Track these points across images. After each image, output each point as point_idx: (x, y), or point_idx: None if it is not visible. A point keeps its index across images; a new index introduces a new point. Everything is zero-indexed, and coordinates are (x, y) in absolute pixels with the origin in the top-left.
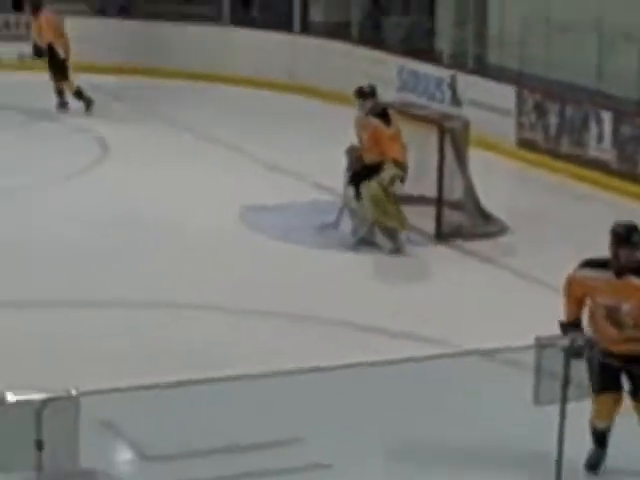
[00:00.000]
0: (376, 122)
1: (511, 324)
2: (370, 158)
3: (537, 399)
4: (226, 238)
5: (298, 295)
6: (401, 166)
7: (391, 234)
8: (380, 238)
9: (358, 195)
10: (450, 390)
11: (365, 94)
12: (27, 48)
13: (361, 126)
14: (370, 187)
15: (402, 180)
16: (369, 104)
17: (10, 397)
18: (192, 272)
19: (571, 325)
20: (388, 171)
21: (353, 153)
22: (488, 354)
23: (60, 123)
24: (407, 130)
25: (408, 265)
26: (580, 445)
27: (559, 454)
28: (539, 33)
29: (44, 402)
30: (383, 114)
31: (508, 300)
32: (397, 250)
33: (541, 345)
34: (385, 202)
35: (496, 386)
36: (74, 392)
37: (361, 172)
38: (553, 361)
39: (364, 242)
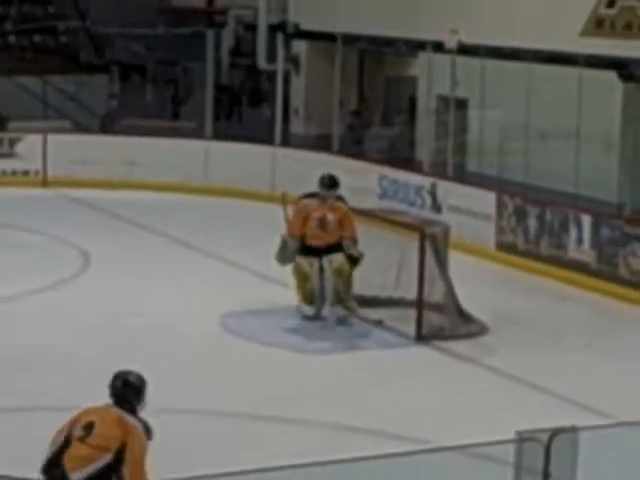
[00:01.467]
0: (345, 206)
1: (491, 422)
2: (331, 238)
3: None
4: (209, 344)
5: (280, 398)
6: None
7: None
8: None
9: (321, 269)
10: None
11: (338, 183)
12: (9, 165)
13: (326, 210)
14: (337, 260)
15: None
16: (337, 192)
17: None
18: (175, 377)
19: None
20: (356, 248)
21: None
22: (468, 449)
23: (43, 235)
24: (388, 235)
25: (389, 366)
26: None
27: None
28: (518, 141)
29: None
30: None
31: (488, 399)
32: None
33: (521, 439)
34: (349, 275)
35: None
36: None
37: (325, 249)
38: (533, 455)
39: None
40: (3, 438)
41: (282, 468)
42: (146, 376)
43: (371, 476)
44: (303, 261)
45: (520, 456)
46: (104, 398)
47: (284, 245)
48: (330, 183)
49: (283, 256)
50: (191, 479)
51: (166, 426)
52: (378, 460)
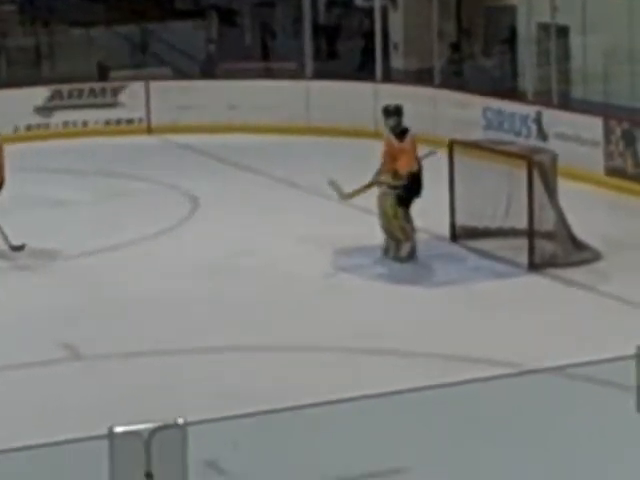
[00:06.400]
0: (390, 138)
1: (611, 346)
2: (385, 173)
3: None
4: (320, 281)
5: (395, 331)
6: (398, 176)
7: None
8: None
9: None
10: (550, 410)
11: (388, 112)
12: (113, 114)
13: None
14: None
15: (395, 188)
16: (391, 122)
17: (118, 429)
18: (287, 315)
19: None
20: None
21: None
22: (589, 373)
23: (151, 182)
24: (496, 166)
25: (502, 296)
26: None
27: None
28: (622, 65)
29: (152, 432)
30: (402, 133)
31: (605, 324)
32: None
33: None
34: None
35: (597, 404)
36: (181, 421)
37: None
38: None
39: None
40: (126, 380)
41: (380, 395)
42: (258, 314)
43: (480, 398)
44: None
45: None
46: (218, 338)
47: None
48: (381, 111)
49: None
50: (295, 408)
51: (276, 362)
52: (487, 383)
